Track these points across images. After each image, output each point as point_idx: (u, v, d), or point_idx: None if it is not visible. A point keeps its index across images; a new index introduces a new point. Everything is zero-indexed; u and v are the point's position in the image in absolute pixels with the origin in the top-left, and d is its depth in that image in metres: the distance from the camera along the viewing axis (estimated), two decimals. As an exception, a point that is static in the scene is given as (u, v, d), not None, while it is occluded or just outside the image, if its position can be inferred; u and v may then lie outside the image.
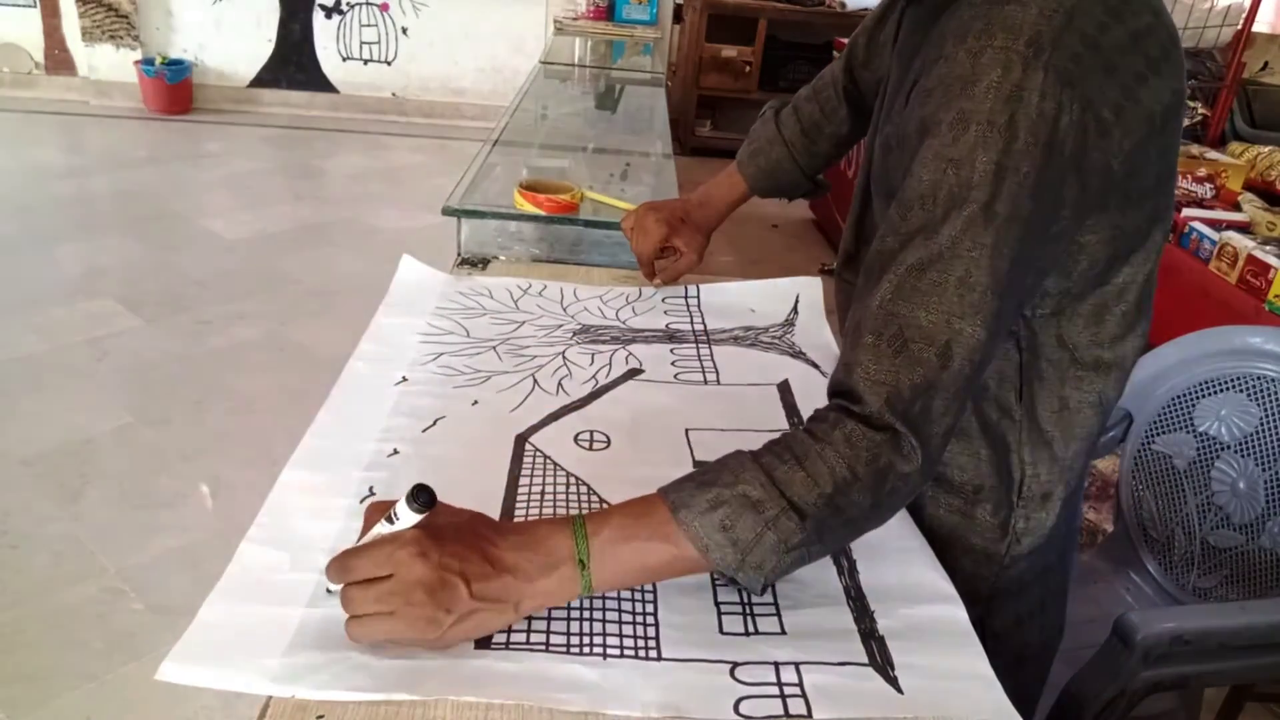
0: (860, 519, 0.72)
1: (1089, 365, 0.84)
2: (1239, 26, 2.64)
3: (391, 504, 0.69)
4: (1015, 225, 0.69)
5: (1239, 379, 1.29)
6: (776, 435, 1.00)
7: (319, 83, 5.82)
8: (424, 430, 0.96)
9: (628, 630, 0.72)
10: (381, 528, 0.69)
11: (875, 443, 0.69)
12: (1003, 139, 0.68)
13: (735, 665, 0.69)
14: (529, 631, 0.71)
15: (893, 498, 0.72)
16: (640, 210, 1.28)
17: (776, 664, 0.69)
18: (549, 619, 0.72)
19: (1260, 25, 2.94)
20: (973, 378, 0.71)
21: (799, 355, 1.19)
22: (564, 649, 0.70)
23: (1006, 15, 0.69)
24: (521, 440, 0.96)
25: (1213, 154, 2.30)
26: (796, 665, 0.69)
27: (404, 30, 5.76)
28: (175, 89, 5.46)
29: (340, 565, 0.67)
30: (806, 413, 1.05)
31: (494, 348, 1.14)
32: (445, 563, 0.66)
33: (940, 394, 0.70)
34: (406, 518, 0.68)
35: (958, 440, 0.87)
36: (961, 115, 0.69)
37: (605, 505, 0.86)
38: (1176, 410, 1.34)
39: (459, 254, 1.47)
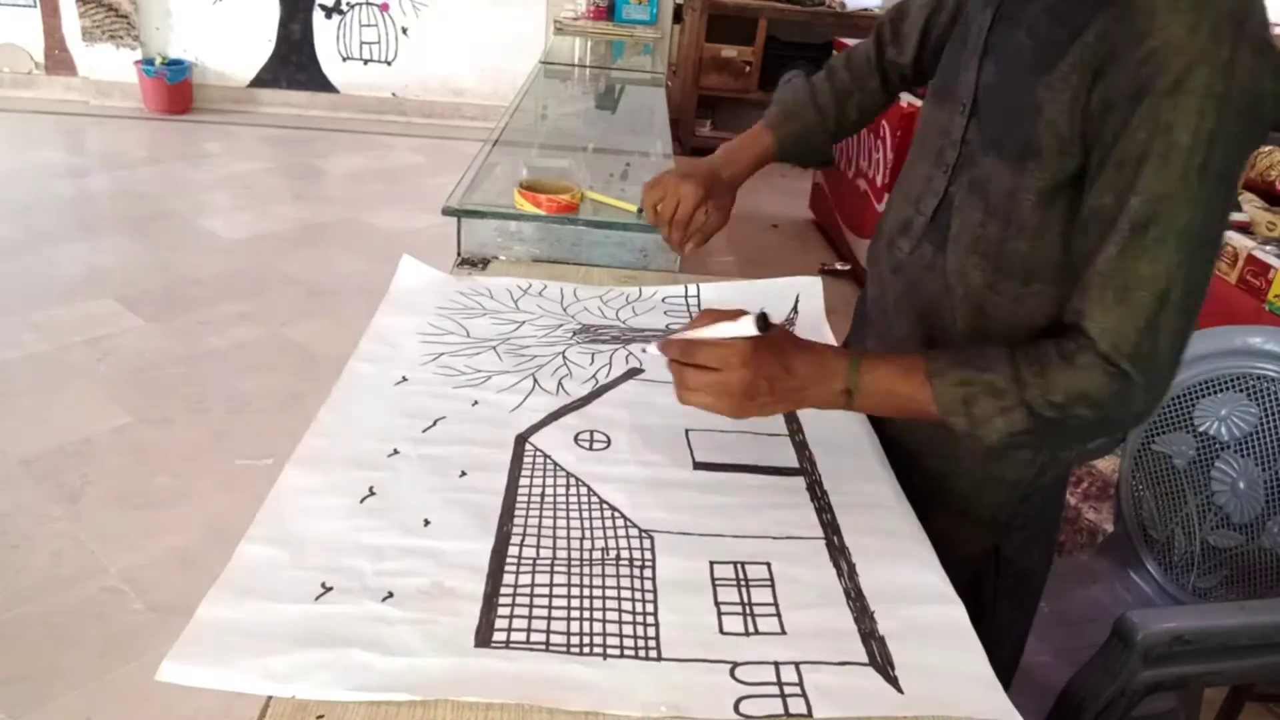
0: (1080, 431, 0.85)
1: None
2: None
3: (734, 314, 0.85)
4: (1225, 183, 0.78)
5: (1239, 379, 1.29)
6: (775, 438, 1.00)
7: (319, 83, 5.82)
8: (424, 430, 0.96)
9: (628, 630, 0.72)
10: (722, 327, 0.85)
11: (1108, 375, 0.80)
12: (1217, 107, 0.75)
13: (735, 665, 0.69)
14: (529, 631, 0.71)
15: (1111, 424, 0.84)
16: (668, 177, 1.20)
17: (777, 664, 0.70)
18: (549, 619, 0.72)
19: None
20: (1192, 318, 0.81)
21: (799, 355, 1.19)
22: (564, 649, 0.70)
23: None
24: (521, 440, 0.96)
25: (1213, 154, 2.29)
26: (797, 665, 0.70)
27: (404, 30, 5.76)
28: (175, 89, 5.46)
29: (684, 347, 0.86)
30: (805, 414, 1.05)
31: (494, 348, 1.14)
32: (758, 374, 0.84)
33: (1164, 333, 0.79)
34: (747, 329, 0.84)
35: None
36: (1179, 84, 0.75)
37: (605, 505, 0.86)
38: (1176, 410, 1.34)
39: (459, 254, 1.47)
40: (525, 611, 0.73)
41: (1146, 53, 0.77)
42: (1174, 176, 0.76)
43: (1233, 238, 1.88)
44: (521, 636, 0.70)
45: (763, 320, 0.84)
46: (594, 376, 1.10)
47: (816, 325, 1.28)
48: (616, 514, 0.86)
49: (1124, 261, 0.79)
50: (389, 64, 5.83)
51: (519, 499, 0.86)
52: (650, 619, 0.73)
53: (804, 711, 0.65)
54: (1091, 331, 0.80)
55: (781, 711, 0.65)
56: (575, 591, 0.76)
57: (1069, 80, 0.83)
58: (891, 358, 0.88)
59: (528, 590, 0.75)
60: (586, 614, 0.73)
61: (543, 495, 0.87)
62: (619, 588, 0.76)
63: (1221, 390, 1.30)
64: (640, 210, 1.31)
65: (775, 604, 0.76)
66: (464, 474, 0.89)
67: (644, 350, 0.94)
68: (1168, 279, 0.78)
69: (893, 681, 0.69)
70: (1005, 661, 1.10)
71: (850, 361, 0.87)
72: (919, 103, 1.24)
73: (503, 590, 0.75)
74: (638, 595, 0.76)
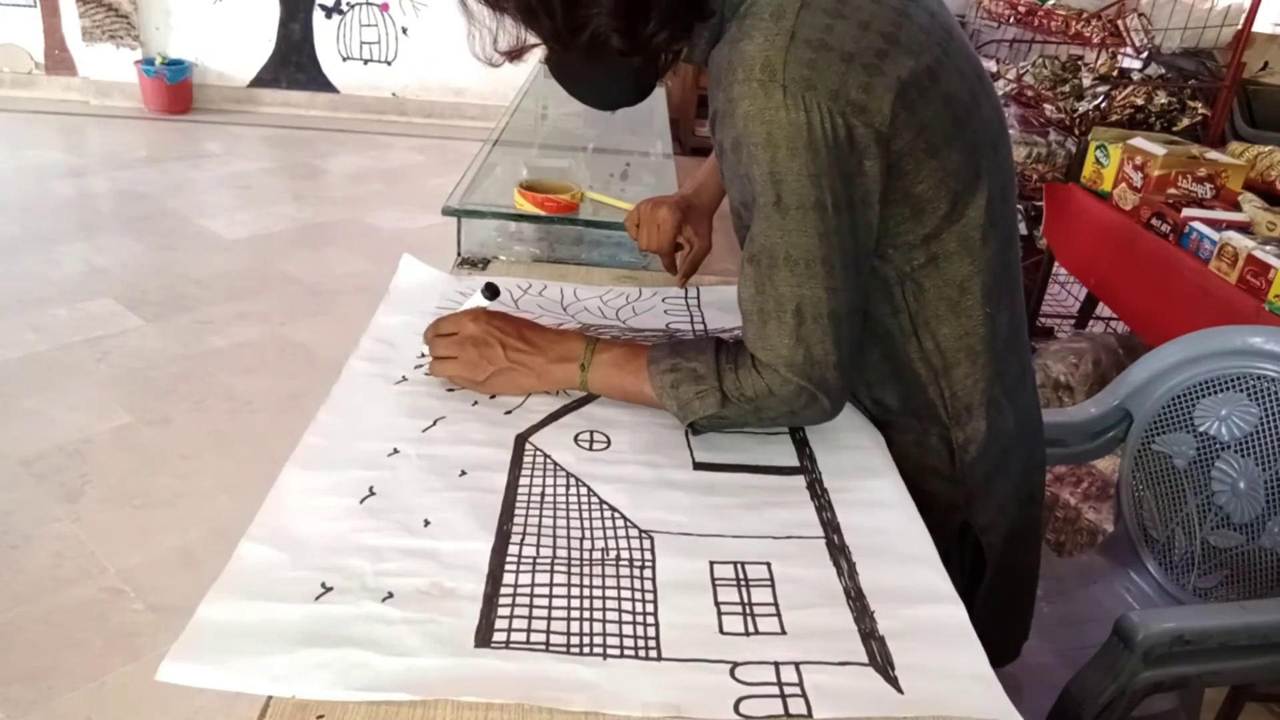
0: (775, 420, 0.95)
1: (974, 289, 0.94)
2: (1239, 26, 2.63)
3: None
4: (807, 210, 0.83)
5: (1239, 379, 1.29)
6: (775, 436, 1.01)
7: (319, 83, 5.82)
8: (424, 430, 0.96)
9: (628, 630, 0.72)
10: (465, 305, 1.05)
11: (784, 380, 0.88)
12: (767, 152, 0.82)
13: (735, 665, 0.69)
14: (529, 631, 0.71)
15: (800, 418, 0.94)
16: (643, 207, 1.28)
17: (777, 664, 0.69)
18: (549, 619, 0.72)
19: (1260, 25, 2.93)
20: (839, 323, 0.87)
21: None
22: (564, 649, 0.70)
23: (741, 51, 0.82)
24: (521, 440, 0.96)
25: (1213, 154, 2.28)
26: (797, 665, 0.69)
27: (404, 30, 5.76)
28: (175, 89, 5.46)
29: (433, 324, 1.03)
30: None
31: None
32: (489, 329, 0.99)
33: (812, 344, 0.86)
34: (476, 300, 1.06)
35: (888, 381, 1.00)
36: (735, 141, 0.84)
37: (605, 505, 0.87)
38: (1176, 410, 1.34)
39: (459, 254, 1.47)
40: (525, 611, 0.73)
41: (711, 116, 0.88)
42: (762, 216, 0.85)
43: (1233, 238, 1.88)
44: (521, 636, 0.70)
45: (490, 290, 1.05)
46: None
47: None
48: (616, 514, 0.86)
49: (752, 290, 0.88)
50: (389, 64, 5.83)
51: (519, 499, 0.86)
52: (650, 619, 0.73)
53: (804, 712, 0.65)
54: (755, 352, 0.89)
55: (781, 712, 0.65)
56: (575, 591, 0.76)
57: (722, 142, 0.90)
58: (624, 344, 1.00)
59: (528, 590, 0.75)
60: (586, 614, 0.73)
61: (543, 495, 0.87)
62: (619, 588, 0.76)
63: (1222, 390, 1.30)
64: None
65: (775, 604, 0.76)
66: (464, 474, 0.89)
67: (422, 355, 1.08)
68: (795, 299, 0.85)
69: (893, 681, 0.69)
70: (1002, 651, 1.09)
71: (588, 342, 0.99)
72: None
73: (503, 590, 0.75)
74: (638, 595, 0.76)
